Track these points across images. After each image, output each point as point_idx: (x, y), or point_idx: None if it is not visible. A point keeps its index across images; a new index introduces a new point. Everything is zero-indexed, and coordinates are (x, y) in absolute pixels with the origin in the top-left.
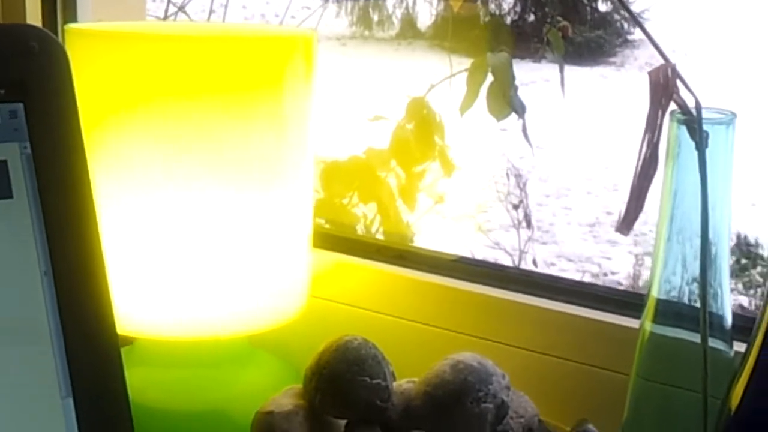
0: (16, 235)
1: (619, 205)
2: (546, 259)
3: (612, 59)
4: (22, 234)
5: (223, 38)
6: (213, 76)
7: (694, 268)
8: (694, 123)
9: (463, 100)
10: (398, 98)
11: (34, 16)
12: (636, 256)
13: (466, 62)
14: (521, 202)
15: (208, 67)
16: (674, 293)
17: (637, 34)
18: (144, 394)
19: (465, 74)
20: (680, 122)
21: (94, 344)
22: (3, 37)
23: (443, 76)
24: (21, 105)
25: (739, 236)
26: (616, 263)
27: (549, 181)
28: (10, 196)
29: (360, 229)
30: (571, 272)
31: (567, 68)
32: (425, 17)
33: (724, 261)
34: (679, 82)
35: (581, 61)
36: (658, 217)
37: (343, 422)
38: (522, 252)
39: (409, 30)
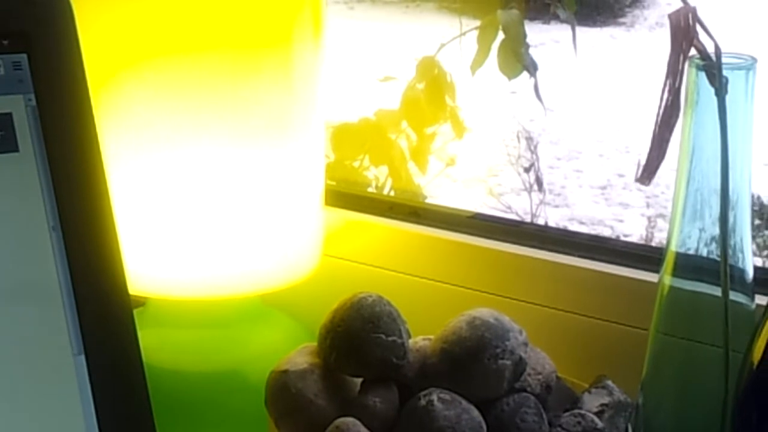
0: (23, 190)
1: (631, 168)
2: (558, 222)
3: (621, 20)
4: (29, 188)
5: None
6: (220, 29)
7: (714, 219)
8: (713, 68)
9: (474, 58)
10: (408, 60)
11: None
12: (649, 218)
13: (476, 24)
14: (532, 165)
15: (215, 20)
16: (693, 246)
17: None
18: (158, 355)
19: (475, 34)
20: (699, 68)
21: (104, 300)
22: None
23: (452, 37)
24: (25, 56)
25: (752, 197)
26: (628, 225)
27: (560, 143)
28: (16, 150)
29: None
30: None
31: (577, 29)
32: None
33: (745, 211)
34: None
35: (590, 22)
36: (677, 166)
37: (359, 380)
38: (534, 215)
39: None
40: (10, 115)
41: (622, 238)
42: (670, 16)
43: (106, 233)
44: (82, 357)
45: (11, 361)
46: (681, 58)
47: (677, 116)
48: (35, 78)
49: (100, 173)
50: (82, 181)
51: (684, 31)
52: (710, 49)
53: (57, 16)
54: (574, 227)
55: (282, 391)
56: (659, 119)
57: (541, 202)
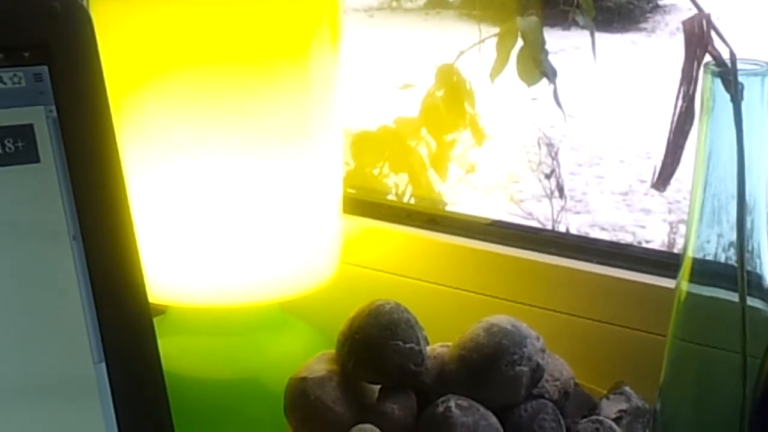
0: (44, 200)
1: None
2: (579, 228)
3: (642, 25)
4: (50, 199)
5: (248, 0)
6: (239, 39)
7: (731, 225)
8: (728, 75)
9: (493, 65)
10: (427, 68)
11: None
12: (670, 224)
13: (495, 31)
14: (553, 171)
15: (234, 30)
16: (711, 252)
17: None
18: (178, 363)
19: (494, 41)
20: (714, 74)
21: (125, 308)
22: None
23: (472, 44)
24: (45, 68)
25: None
26: (650, 231)
27: (581, 149)
28: (37, 161)
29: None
30: None
31: (597, 35)
32: None
33: (762, 216)
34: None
35: (611, 28)
36: (694, 172)
37: (377, 387)
38: (555, 222)
39: (437, 0)
40: (31, 126)
41: (644, 244)
42: (684, 23)
43: (127, 242)
44: (103, 365)
45: (33, 370)
46: (695, 64)
47: (691, 123)
48: (56, 89)
49: (120, 183)
50: (103, 191)
51: (698, 37)
52: (725, 55)
53: (77, 28)
54: (595, 233)
55: (301, 398)
56: (673, 126)
57: (563, 208)
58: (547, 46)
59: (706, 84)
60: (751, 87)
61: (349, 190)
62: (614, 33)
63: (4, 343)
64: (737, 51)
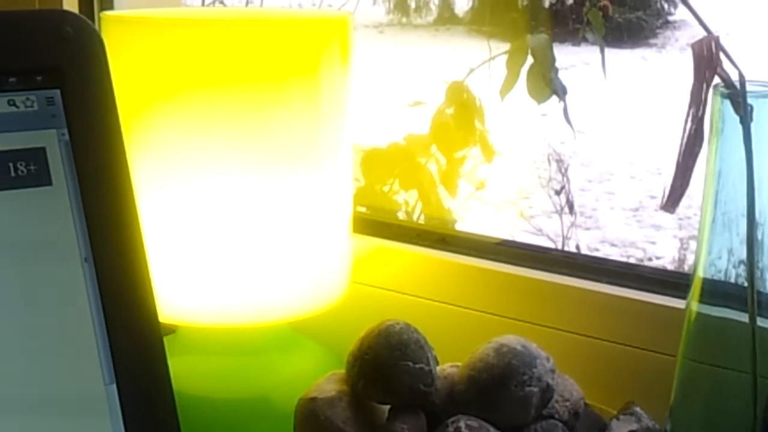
0: (56, 222)
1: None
2: (589, 244)
3: (652, 41)
4: (62, 221)
5: (258, 21)
6: (249, 60)
7: (741, 247)
8: (738, 96)
9: (503, 83)
10: (437, 84)
11: (70, 4)
12: (681, 240)
13: (505, 47)
14: (563, 187)
15: (244, 52)
16: (720, 273)
17: (678, 14)
18: (187, 382)
19: (504, 58)
20: (724, 96)
21: (136, 330)
22: (36, 23)
23: (482, 61)
24: (58, 91)
25: None
26: (660, 248)
27: (591, 165)
28: (50, 183)
29: (402, 216)
30: (615, 258)
31: (607, 51)
32: (462, 2)
33: None
34: (722, 57)
35: (621, 44)
36: (703, 193)
37: (387, 407)
38: (565, 238)
39: (446, 16)
40: (43, 149)
41: (654, 260)
42: (692, 45)
43: (138, 264)
44: (114, 387)
45: (45, 391)
46: (704, 86)
47: (701, 145)
48: (68, 113)
49: (131, 205)
50: (114, 214)
51: (707, 60)
52: (734, 77)
53: (89, 52)
54: (605, 249)
55: (311, 418)
56: (683, 148)
57: (573, 224)
58: (557, 62)
59: (716, 105)
60: (760, 108)
61: (359, 208)
62: (624, 49)
63: (16, 363)
64: (746, 73)
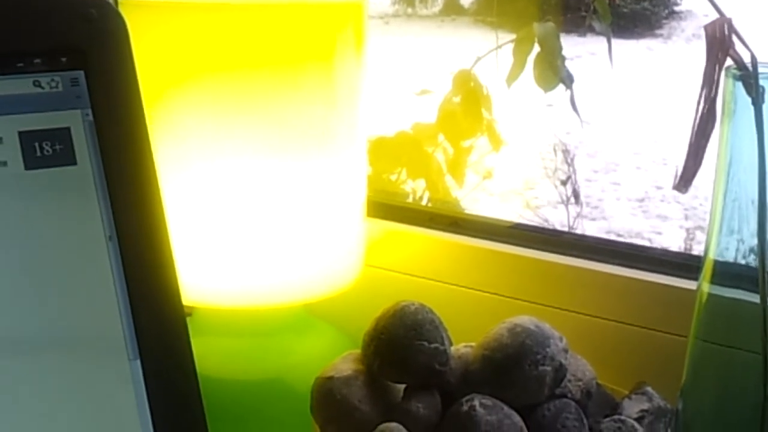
0: (81, 202)
1: (669, 180)
2: (595, 235)
3: (658, 31)
4: (87, 200)
5: (275, 6)
6: (266, 44)
7: (752, 228)
8: (750, 78)
9: (509, 71)
10: (444, 74)
11: None
12: (687, 230)
13: (511, 38)
14: (569, 177)
15: (261, 36)
16: (731, 255)
17: (683, 4)
18: (204, 364)
19: (511, 47)
20: (736, 78)
21: (159, 306)
22: (62, 5)
23: (488, 50)
24: (82, 72)
25: None
26: (666, 238)
27: (597, 156)
28: (74, 163)
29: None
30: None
31: (613, 41)
32: None
33: None
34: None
35: (627, 34)
36: (715, 176)
37: (402, 386)
38: (571, 228)
39: (452, 6)
40: (68, 129)
41: None
42: (705, 27)
43: (161, 242)
44: (138, 362)
45: (70, 367)
46: (717, 68)
47: (713, 125)
48: (92, 94)
49: (154, 184)
50: (138, 193)
51: (720, 41)
52: (746, 59)
53: (113, 34)
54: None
55: (327, 397)
56: (695, 128)
57: (578, 215)
58: (564, 53)
59: (728, 87)
60: None
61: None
62: (630, 39)
63: (39, 340)
64: (758, 54)
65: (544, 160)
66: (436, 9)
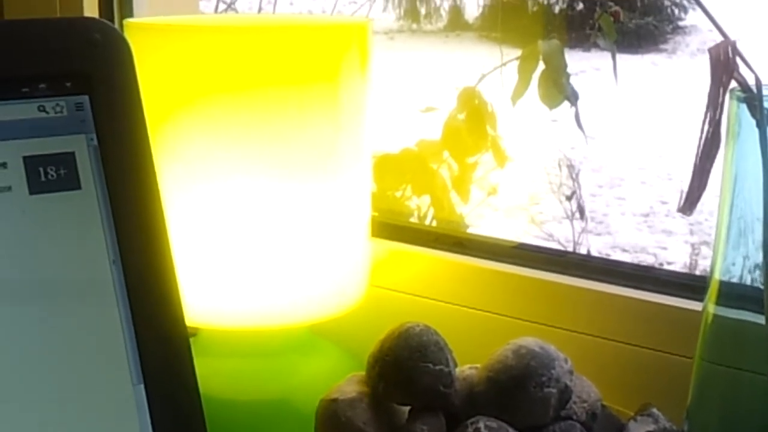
0: (85, 226)
1: (674, 195)
2: (600, 250)
3: (663, 46)
4: (91, 224)
5: (278, 28)
6: (271, 66)
7: (757, 247)
8: (754, 100)
9: (514, 88)
10: (448, 90)
11: (91, 12)
12: (692, 245)
13: (516, 53)
14: (574, 192)
15: (266, 58)
16: (737, 274)
17: (688, 20)
18: (208, 384)
19: (515, 64)
20: (740, 100)
21: (163, 332)
22: (66, 30)
23: (493, 67)
24: (86, 97)
25: None
26: (672, 253)
27: (602, 171)
28: (79, 188)
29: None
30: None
31: (617, 56)
32: (473, 9)
33: None
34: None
35: (632, 49)
36: (720, 195)
37: (407, 408)
38: (576, 243)
39: (457, 22)
40: (72, 154)
41: (666, 266)
42: (710, 50)
43: (165, 266)
44: (142, 387)
45: (73, 392)
46: (721, 90)
47: (718, 148)
48: (96, 118)
49: (158, 209)
50: (142, 217)
51: (724, 64)
52: (751, 81)
53: (118, 59)
54: (616, 255)
55: (332, 419)
56: (700, 150)
57: (583, 230)
58: (568, 68)
59: (732, 109)
60: None
61: (373, 213)
62: (635, 54)
63: (43, 364)
64: (763, 77)
65: (548, 176)
66: (441, 24)
